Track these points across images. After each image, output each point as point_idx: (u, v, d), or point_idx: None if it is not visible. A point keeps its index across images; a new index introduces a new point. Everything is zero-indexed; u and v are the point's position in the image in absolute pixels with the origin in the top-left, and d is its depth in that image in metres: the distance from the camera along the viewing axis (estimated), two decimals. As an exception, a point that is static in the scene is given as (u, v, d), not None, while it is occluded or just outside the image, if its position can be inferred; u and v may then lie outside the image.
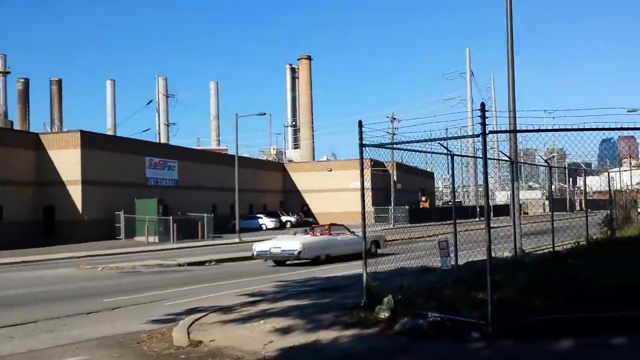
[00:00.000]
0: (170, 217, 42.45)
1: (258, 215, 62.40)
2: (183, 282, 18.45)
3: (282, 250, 22.09)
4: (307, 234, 24.67)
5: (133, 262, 25.94)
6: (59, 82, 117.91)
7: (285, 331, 9.39)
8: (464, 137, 11.86)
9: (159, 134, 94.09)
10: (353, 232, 23.29)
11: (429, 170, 78.87)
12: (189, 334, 9.68)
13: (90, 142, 45.30)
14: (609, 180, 30.89)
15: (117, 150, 47.98)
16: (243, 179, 49.17)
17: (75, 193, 43.73)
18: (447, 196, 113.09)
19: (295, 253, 21.47)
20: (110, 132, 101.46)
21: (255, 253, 23.26)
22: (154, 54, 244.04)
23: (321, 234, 23.99)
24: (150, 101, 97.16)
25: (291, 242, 22.23)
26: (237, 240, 41.11)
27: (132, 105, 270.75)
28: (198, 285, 17.65)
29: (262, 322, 10.22)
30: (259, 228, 58.92)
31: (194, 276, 20.31)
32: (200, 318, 11.01)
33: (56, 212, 44.02)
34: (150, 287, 17.36)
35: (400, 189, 70.48)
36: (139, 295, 15.62)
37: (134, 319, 11.94)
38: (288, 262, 22.34)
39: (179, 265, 24.31)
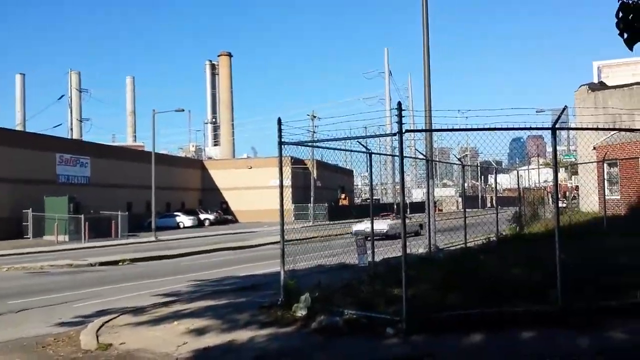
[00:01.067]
0: (82, 216, 40.86)
1: (175, 213, 61.15)
2: (94, 283, 17.77)
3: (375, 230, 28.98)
4: (386, 219, 31.63)
5: (41, 262, 24.75)
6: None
7: (199, 332, 9.18)
8: (382, 135, 12.01)
9: (71, 129, 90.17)
10: (410, 217, 30.16)
11: (348, 167, 79.85)
12: (97, 336, 9.32)
13: (-3, 137, 42.90)
14: (518, 178, 32.27)
15: (25, 146, 45.58)
16: (160, 177, 48.00)
17: (-21, 190, 41.35)
18: (366, 193, 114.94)
19: (384, 231, 28.21)
20: (19, 128, 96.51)
21: (353, 231, 28.30)
22: (67, 47, 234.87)
23: (393, 219, 31.03)
24: (62, 96, 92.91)
25: (381, 224, 29.04)
26: (153, 239, 40.12)
27: (43, 100, 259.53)
28: (110, 285, 17.05)
29: (175, 323, 9.96)
30: (176, 226, 57.74)
31: (105, 276, 19.60)
32: (110, 320, 10.63)
33: (-42, 210, 41.47)
34: (59, 288, 16.61)
35: (320, 187, 70.93)
36: (46, 297, 14.92)
37: (40, 322, 11.41)
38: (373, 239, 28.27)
39: (90, 265, 23.44)
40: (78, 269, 22.65)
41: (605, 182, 28.06)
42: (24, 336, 10.09)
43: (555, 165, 9.70)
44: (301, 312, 9.49)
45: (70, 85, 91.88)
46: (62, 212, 41.61)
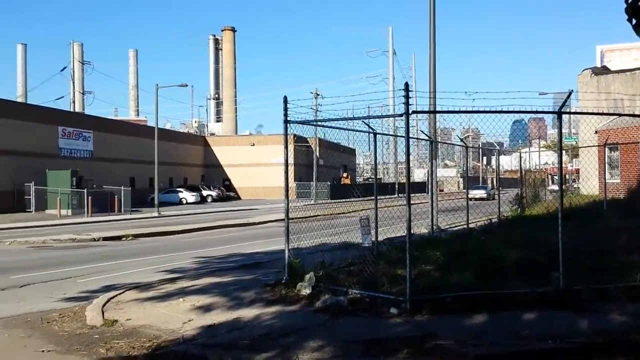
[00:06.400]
0: (85, 190, 40.99)
1: (178, 189, 61.27)
2: (98, 258, 17.87)
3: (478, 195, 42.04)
4: (481, 189, 47.23)
5: (44, 236, 24.85)
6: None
7: (205, 309, 9.26)
8: (387, 116, 11.97)
9: (74, 102, 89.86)
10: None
11: (350, 146, 79.71)
12: (103, 312, 9.36)
13: (-2, 109, 42.82)
14: (520, 160, 32.23)
15: (27, 118, 45.52)
16: (163, 152, 47.99)
17: (-19, 163, 41.41)
18: (367, 172, 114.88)
19: (485, 196, 41.31)
20: (20, 100, 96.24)
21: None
22: (70, 18, 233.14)
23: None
24: (64, 68, 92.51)
25: (481, 191, 44.75)
26: (155, 214, 40.23)
27: (45, 71, 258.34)
28: (114, 261, 17.13)
29: (181, 299, 10.05)
30: (179, 202, 57.90)
31: (109, 252, 19.69)
32: (116, 296, 10.68)
33: (-40, 182, 41.59)
34: (63, 263, 16.70)
35: (323, 165, 70.95)
36: (50, 272, 14.97)
37: (44, 297, 11.45)
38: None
39: (94, 239, 23.55)
40: (81, 243, 22.77)
41: (606, 165, 28.08)
42: (28, 311, 10.10)
43: (560, 149, 9.75)
44: (305, 291, 9.59)
45: (73, 57, 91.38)
46: (64, 186, 41.69)
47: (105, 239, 23.79)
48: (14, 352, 7.71)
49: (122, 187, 44.18)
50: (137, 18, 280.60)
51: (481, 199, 36.87)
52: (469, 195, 28.92)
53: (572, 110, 23.83)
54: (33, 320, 9.34)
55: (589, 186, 29.43)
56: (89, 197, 40.31)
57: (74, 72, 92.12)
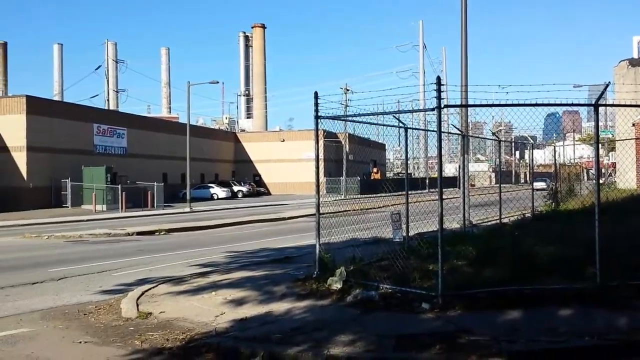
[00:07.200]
0: (119, 186, 41.66)
1: (209, 185, 61.78)
2: (132, 252, 18.14)
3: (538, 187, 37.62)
4: (541, 181, 39.64)
5: (80, 231, 25.36)
6: (4, 45, 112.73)
7: (237, 303, 9.33)
8: (419, 110, 11.85)
9: (108, 100, 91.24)
10: None
11: (380, 141, 79.35)
12: (138, 305, 9.52)
13: (36, 107, 43.66)
14: (554, 154, 31.69)
15: (64, 116, 46.38)
16: (194, 148, 48.44)
17: (20, 159, 42.30)
18: (398, 167, 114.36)
19: (544, 187, 33.79)
20: (57, 98, 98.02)
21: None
22: (103, 18, 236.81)
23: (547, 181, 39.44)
24: (99, 66, 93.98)
25: (541, 183, 36.89)
26: (187, 209, 40.69)
27: (80, 70, 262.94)
28: (148, 255, 17.39)
29: (213, 293, 10.14)
30: (210, 197, 58.42)
31: (143, 246, 19.99)
32: (150, 289, 10.85)
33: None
34: (98, 257, 17.00)
35: (352, 160, 70.77)
36: (86, 265, 15.27)
37: (81, 290, 11.71)
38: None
39: (128, 234, 23.91)
40: (116, 238, 23.14)
41: (645, 159, 27.45)
42: (66, 303, 10.36)
43: (597, 142, 9.55)
44: (336, 286, 9.59)
45: (107, 56, 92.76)
46: (99, 182, 42.47)
47: (139, 233, 24.15)
48: (52, 343, 7.88)
49: (155, 183, 44.78)
50: (169, 17, 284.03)
51: (542, 189, 36.57)
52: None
53: (609, 103, 23.35)
54: (70, 312, 9.58)
55: (626, 180, 28.85)
56: (123, 192, 40.95)
57: (108, 70, 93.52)
